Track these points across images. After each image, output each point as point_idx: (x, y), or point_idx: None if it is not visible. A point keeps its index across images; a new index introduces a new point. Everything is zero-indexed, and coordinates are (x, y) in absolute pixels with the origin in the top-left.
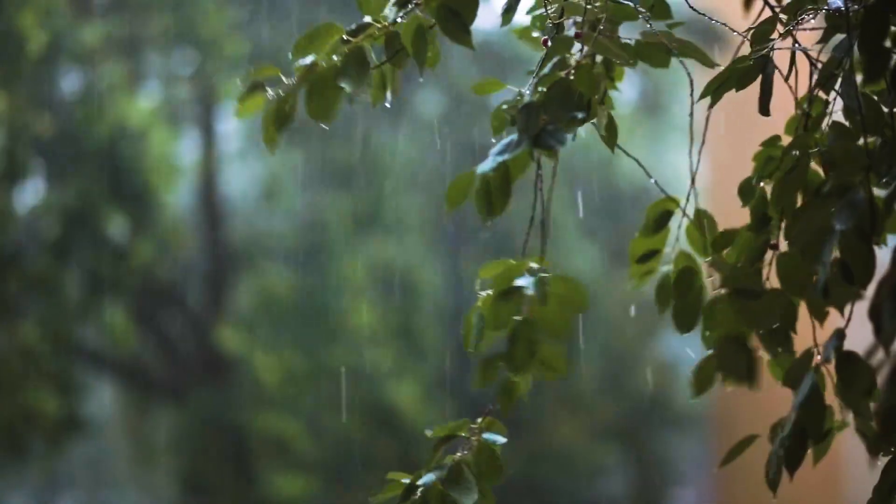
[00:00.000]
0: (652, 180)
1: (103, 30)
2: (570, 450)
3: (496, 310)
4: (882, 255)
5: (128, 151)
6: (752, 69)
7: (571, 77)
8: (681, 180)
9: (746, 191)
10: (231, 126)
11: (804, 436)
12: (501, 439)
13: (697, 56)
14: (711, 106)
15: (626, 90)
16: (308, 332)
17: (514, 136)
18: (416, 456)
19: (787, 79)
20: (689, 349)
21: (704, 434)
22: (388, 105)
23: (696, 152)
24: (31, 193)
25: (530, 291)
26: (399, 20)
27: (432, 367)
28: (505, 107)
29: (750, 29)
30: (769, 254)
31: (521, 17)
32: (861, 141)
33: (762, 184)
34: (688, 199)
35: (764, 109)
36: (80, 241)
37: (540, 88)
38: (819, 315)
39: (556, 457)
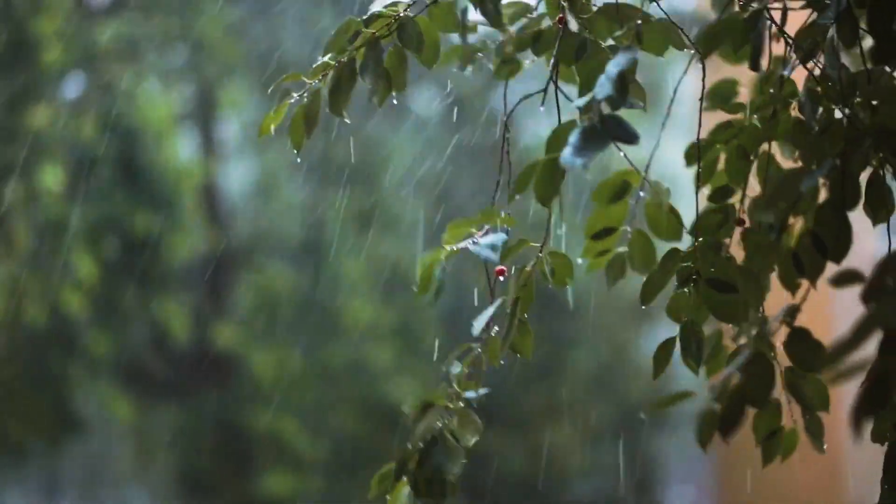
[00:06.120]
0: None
1: (112, 31)
2: (566, 449)
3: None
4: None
5: (143, 152)
6: (745, 23)
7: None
8: (680, 176)
9: (691, 154)
10: (229, 123)
11: (743, 400)
12: (480, 392)
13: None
14: (704, 57)
15: None
16: (307, 330)
17: (585, 127)
18: None
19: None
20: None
21: None
22: (394, 102)
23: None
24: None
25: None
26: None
27: (432, 365)
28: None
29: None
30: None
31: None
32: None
33: (717, 146)
34: (645, 176)
35: (755, 65)
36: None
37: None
38: (791, 286)
39: (553, 457)
